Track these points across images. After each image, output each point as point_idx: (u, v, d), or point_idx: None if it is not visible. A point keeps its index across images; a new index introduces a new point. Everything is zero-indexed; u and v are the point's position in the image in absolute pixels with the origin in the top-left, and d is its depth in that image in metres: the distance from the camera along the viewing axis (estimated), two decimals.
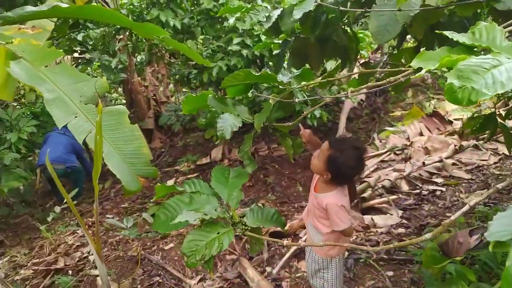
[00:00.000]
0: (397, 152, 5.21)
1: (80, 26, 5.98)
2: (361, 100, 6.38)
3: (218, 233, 1.42)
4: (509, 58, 1.15)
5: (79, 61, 8.27)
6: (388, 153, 5.25)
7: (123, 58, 5.95)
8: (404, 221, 3.88)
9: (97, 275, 4.32)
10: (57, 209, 5.09)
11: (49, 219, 5.02)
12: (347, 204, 2.00)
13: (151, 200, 5.13)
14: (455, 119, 5.67)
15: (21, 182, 6.47)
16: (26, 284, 4.40)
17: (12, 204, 6.98)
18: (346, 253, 3.61)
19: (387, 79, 1.33)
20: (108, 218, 4.96)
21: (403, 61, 2.78)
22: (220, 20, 5.65)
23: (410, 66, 1.35)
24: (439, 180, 4.51)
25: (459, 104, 1.08)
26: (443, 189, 4.34)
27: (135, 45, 5.99)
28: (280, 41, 3.02)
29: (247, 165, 1.73)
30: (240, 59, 5.23)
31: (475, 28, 1.28)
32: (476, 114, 3.60)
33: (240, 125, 1.65)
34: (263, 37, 5.04)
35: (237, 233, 1.51)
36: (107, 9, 3.07)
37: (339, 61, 2.80)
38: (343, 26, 2.87)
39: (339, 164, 1.92)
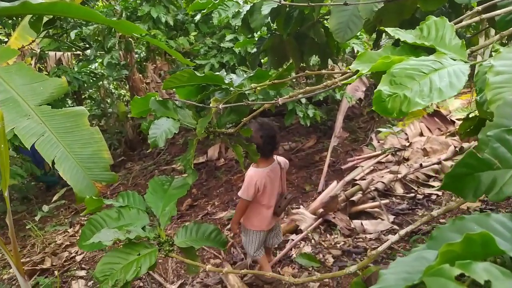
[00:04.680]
0: (394, 153, 5.00)
1: (67, 24, 5.90)
2: (359, 99, 6.17)
3: (139, 254, 1.29)
4: (454, 60, 0.98)
5: (80, 57, 8.25)
6: (385, 154, 5.05)
7: (115, 55, 5.85)
8: (395, 227, 3.69)
9: (82, 277, 4.27)
10: (45, 207, 5.05)
11: (36, 218, 4.98)
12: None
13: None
14: (457, 119, 5.41)
15: (17, 179, 6.41)
16: (12, 284, 4.36)
17: (11, 201, 6.97)
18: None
19: (325, 83, 1.18)
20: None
21: None
22: (213, 15, 5.51)
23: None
24: (436, 183, 4.30)
25: (389, 115, 0.92)
26: (440, 193, 4.13)
27: (128, 42, 5.89)
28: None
29: (189, 175, 1.59)
30: (233, 56, 5.08)
31: (424, 24, 1.11)
32: (472, 114, 3.39)
33: (177, 131, 1.51)
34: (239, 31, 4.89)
35: (161, 254, 1.37)
36: (82, 6, 2.94)
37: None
38: (324, 22, 2.70)
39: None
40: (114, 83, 9.91)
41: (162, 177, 1.69)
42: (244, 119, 1.49)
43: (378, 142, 5.49)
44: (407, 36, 1.08)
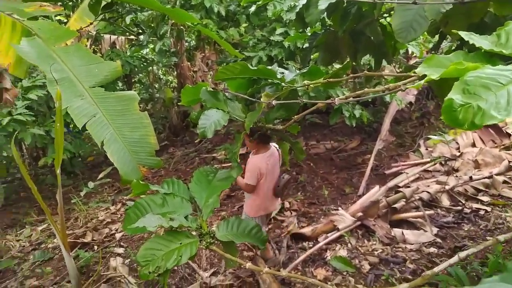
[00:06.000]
0: (443, 163, 4.76)
1: (122, 9, 6.06)
2: (409, 102, 5.93)
3: (180, 243, 1.28)
4: None
5: (133, 42, 8.51)
6: (433, 162, 4.83)
7: (167, 43, 5.96)
8: (438, 240, 3.52)
9: (120, 254, 4.41)
10: (91, 184, 5.26)
11: (82, 193, 5.20)
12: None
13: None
14: None
15: (66, 154, 6.69)
16: (55, 253, 4.59)
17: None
18: None
19: (386, 86, 1.11)
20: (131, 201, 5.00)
21: None
22: (266, 8, 5.46)
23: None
24: (486, 198, 4.06)
25: (459, 126, 0.85)
26: (488, 209, 3.90)
27: (180, 30, 5.97)
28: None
29: (234, 168, 1.57)
30: (282, 50, 5.03)
31: (502, 30, 1.01)
32: None
33: (226, 124, 1.49)
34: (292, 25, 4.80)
35: (202, 246, 1.36)
36: None
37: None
38: (380, 20, 2.59)
39: None
40: (163, 69, 10.15)
41: (207, 168, 1.68)
42: (295, 116, 1.45)
43: (426, 149, 5.26)
44: (483, 42, 0.99)
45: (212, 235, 1.41)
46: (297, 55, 5.36)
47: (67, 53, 2.21)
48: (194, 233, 1.42)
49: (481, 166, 4.68)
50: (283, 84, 1.55)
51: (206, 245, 1.38)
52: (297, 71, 1.66)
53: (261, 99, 1.43)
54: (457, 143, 5.24)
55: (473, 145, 5.25)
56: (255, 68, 1.53)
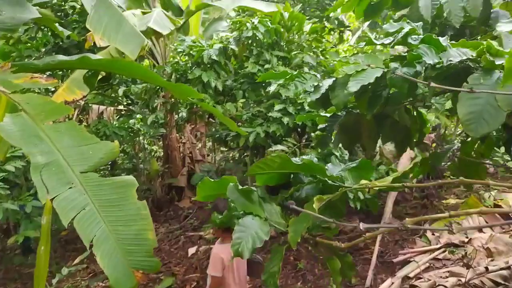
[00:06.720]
0: (464, 255, 4.42)
1: (113, 80, 5.90)
2: None
3: None
4: None
5: (122, 113, 8.30)
6: (441, 249, 4.49)
7: (159, 116, 5.75)
8: None
9: None
10: (65, 270, 4.66)
11: (54, 281, 4.59)
12: None
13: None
14: None
15: (37, 231, 6.10)
16: None
17: (29, 252, 6.66)
18: None
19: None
20: None
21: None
22: (263, 84, 5.39)
23: None
24: None
25: None
26: None
27: (174, 104, 5.81)
28: (327, 114, 2.59)
29: None
30: (280, 126, 4.87)
31: None
32: None
33: (267, 238, 1.14)
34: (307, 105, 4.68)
35: None
36: (141, 66, 2.77)
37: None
38: (407, 105, 2.41)
39: None
40: (148, 139, 9.87)
41: None
42: (368, 234, 1.13)
43: (433, 234, 4.94)
44: None
45: None
46: (295, 131, 5.21)
47: (57, 132, 1.89)
48: None
49: (494, 255, 4.35)
50: (330, 182, 1.25)
51: None
52: (342, 165, 1.38)
53: (313, 205, 1.12)
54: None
55: (480, 230, 4.97)
56: (300, 162, 1.24)
